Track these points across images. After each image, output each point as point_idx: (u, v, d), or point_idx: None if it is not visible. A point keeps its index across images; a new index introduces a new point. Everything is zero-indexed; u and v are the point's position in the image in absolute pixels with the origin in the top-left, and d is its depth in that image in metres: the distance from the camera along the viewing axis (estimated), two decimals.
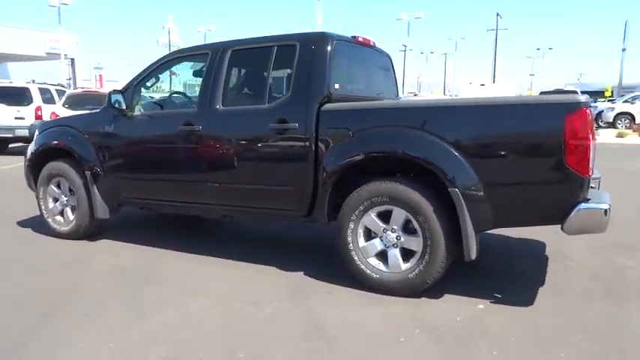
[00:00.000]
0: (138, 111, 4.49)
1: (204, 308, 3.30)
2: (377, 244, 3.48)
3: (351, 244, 3.51)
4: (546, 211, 3.06)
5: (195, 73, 4.95)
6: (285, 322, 3.10)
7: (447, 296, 3.39)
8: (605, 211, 2.90)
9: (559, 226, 3.01)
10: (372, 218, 3.46)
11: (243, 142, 3.92)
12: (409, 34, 37.01)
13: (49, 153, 4.95)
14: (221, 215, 4.43)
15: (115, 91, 4.38)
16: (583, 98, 2.94)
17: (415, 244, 3.33)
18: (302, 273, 3.90)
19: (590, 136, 2.88)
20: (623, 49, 47.98)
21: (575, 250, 4.36)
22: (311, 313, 3.22)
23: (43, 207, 5.01)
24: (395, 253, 3.42)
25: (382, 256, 3.49)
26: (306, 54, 3.72)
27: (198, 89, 4.57)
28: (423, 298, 3.37)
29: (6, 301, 3.42)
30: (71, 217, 4.89)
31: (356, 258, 3.51)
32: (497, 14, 46.60)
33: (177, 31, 45.37)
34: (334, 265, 3.84)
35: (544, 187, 3.02)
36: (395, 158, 3.34)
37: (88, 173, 4.61)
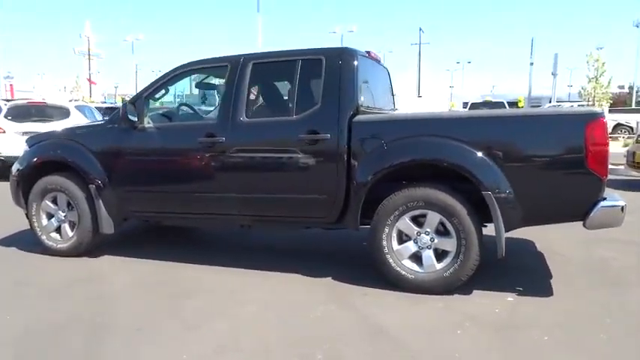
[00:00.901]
0: (146, 123, 4.43)
1: (256, 315, 3.35)
2: (411, 247, 3.70)
3: (386, 248, 3.71)
4: (569, 210, 3.45)
5: (198, 85, 4.97)
6: (340, 323, 3.22)
7: (475, 292, 3.67)
8: (622, 207, 3.32)
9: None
10: (406, 222, 3.68)
11: (272, 152, 4.01)
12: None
13: (42, 167, 4.73)
14: (239, 225, 4.46)
15: (129, 103, 4.28)
16: (599, 110, 3.35)
17: (449, 244, 3.59)
18: (330, 278, 4.04)
19: (607, 142, 3.30)
20: (531, 63, 52.07)
21: (562, 246, 4.83)
22: (360, 314, 3.37)
23: (35, 224, 4.77)
24: (429, 254, 3.66)
25: (415, 257, 3.71)
26: (334, 68, 3.89)
27: (202, 101, 4.60)
28: (456, 295, 3.62)
29: (40, 326, 3.24)
30: (70, 233, 4.68)
31: (391, 261, 3.71)
32: (420, 29, 48.94)
33: (97, 39, 43.38)
34: (357, 269, 4.07)
35: (567, 188, 3.40)
36: (429, 165, 3.60)
37: (92, 187, 4.46)
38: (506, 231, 3.49)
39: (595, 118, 3.30)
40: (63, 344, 2.98)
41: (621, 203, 3.34)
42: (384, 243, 3.71)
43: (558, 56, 44.13)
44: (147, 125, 4.39)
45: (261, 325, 3.21)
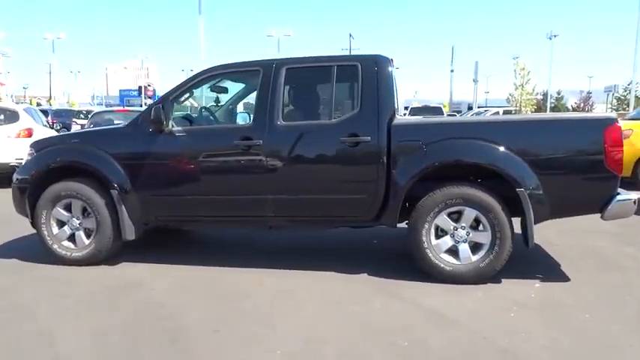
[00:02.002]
0: (171, 126, 4.39)
1: (321, 312, 3.49)
2: (448, 241, 4.00)
3: (425, 243, 3.97)
4: (589, 204, 3.90)
5: (214, 89, 4.98)
6: (403, 313, 3.45)
7: (504, 280, 4.03)
8: (635, 200, 3.82)
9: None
10: (444, 218, 3.97)
11: (311, 155, 4.15)
12: (279, 50, 38.09)
13: (54, 173, 4.53)
14: (267, 227, 4.54)
15: (157, 107, 4.22)
16: (614, 115, 3.84)
17: (484, 237, 3.92)
18: (365, 274, 4.24)
19: (622, 144, 3.78)
20: (452, 70, 55.18)
21: (554, 237, 5.34)
22: (415, 304, 3.60)
23: (45, 232, 4.55)
24: (465, 248, 3.97)
25: (451, 251, 4.01)
26: (370, 74, 4.11)
27: (220, 105, 4.67)
28: (489, 284, 3.96)
29: (113, 335, 3.17)
30: (86, 241, 4.52)
31: (430, 255, 3.98)
32: (350, 35, 50.21)
33: (4, 36, 40.23)
34: (385, 264, 4.37)
35: (588, 184, 3.85)
36: (464, 166, 3.91)
37: (114, 192, 4.36)
38: (536, 224, 3.87)
39: (612, 123, 3.78)
40: (151, 349, 2.97)
41: (633, 197, 3.84)
42: (424, 238, 3.97)
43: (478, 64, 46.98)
44: (175, 128, 4.36)
45: (331, 319, 3.35)
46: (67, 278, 4.23)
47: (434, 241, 3.99)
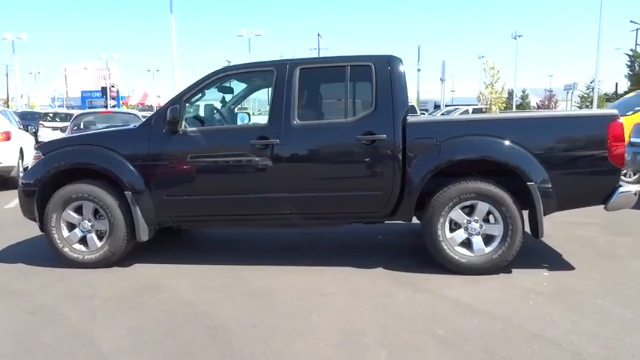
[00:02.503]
0: (184, 127, 4.40)
1: (349, 304, 3.59)
2: (462, 234, 4.16)
3: (440, 236, 4.13)
4: (593, 195, 4.13)
5: (221, 89, 5.01)
6: (428, 304, 3.58)
7: (514, 270, 4.23)
8: (636, 192, 4.07)
9: None
10: (458, 212, 4.13)
11: (328, 153, 4.25)
12: (250, 50, 37.87)
13: (63, 176, 4.48)
14: (280, 225, 4.61)
15: (174, 107, 4.23)
16: (616, 112, 4.08)
17: (496, 230, 4.11)
18: (381, 268, 4.37)
19: (624, 139, 4.02)
20: (419, 70, 55.95)
21: (549, 229, 5.53)
22: (437, 295, 3.75)
23: (55, 236, 4.49)
24: (479, 240, 4.14)
25: (465, 243, 4.17)
26: (384, 74, 4.23)
27: (228, 105, 4.73)
28: (501, 275, 4.15)
29: (153, 333, 3.20)
30: (98, 243, 4.49)
31: (445, 247, 4.13)
32: (318, 34, 50.36)
33: None
34: (397, 258, 4.54)
35: (593, 177, 4.09)
36: (477, 162, 4.08)
37: (128, 194, 4.34)
38: (545, 215, 4.08)
39: (614, 119, 4.02)
40: (197, 345, 3.01)
41: (633, 189, 4.09)
42: (439, 232, 4.12)
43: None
44: (189, 129, 4.38)
45: (362, 312, 3.46)
46: (83, 280, 4.19)
47: (448, 235, 4.15)
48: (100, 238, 4.51)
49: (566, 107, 41.79)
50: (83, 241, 4.53)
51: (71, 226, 4.54)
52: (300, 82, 4.30)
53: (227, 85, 4.88)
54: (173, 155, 4.36)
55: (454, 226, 4.19)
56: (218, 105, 5.21)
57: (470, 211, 4.15)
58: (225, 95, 5.14)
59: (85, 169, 4.47)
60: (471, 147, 4.09)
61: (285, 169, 4.25)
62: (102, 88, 54.96)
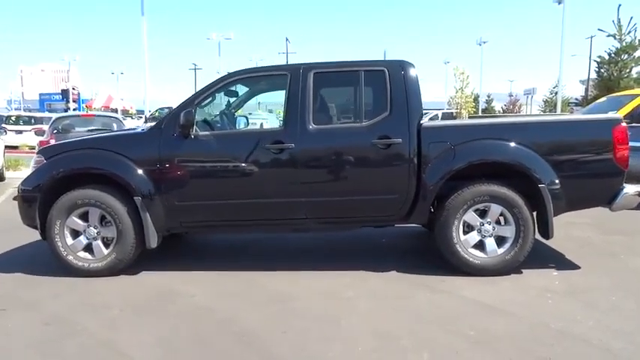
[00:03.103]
0: (195, 131, 4.33)
1: (372, 307, 3.62)
2: (475, 236, 4.24)
3: (455, 239, 4.20)
4: (599, 196, 4.29)
5: (228, 93, 4.95)
6: (449, 304, 3.64)
7: (524, 271, 4.34)
8: (639, 193, 4.25)
9: None
10: (472, 215, 4.21)
11: (344, 157, 4.25)
12: (220, 54, 37.41)
13: (67, 182, 4.33)
14: (292, 229, 4.59)
15: (188, 111, 4.14)
16: (620, 116, 4.25)
17: (508, 231, 4.21)
18: (394, 271, 4.40)
19: (628, 142, 4.19)
20: None
21: None
22: (456, 295, 3.81)
23: (59, 244, 4.34)
24: (492, 241, 4.23)
25: (478, 245, 4.26)
26: (398, 78, 4.28)
27: (230, 108, 4.71)
28: (513, 275, 4.25)
29: (181, 341, 3.14)
30: (105, 251, 4.36)
31: (460, 250, 4.20)
32: (286, 39, 50.38)
33: None
34: (406, 260, 4.60)
35: (599, 179, 4.24)
36: (492, 164, 4.17)
37: (138, 199, 4.23)
38: (555, 216, 4.21)
39: (619, 123, 4.19)
40: (231, 352, 2.97)
41: (637, 189, 4.27)
42: (454, 234, 4.19)
43: None
44: (201, 133, 4.31)
45: (388, 314, 3.49)
46: (92, 289, 4.06)
47: (462, 237, 4.23)
48: (106, 245, 4.38)
49: (527, 111, 43.14)
50: (88, 248, 4.39)
51: (75, 233, 4.39)
52: (314, 86, 4.30)
53: (233, 89, 4.83)
54: (185, 159, 4.28)
55: (467, 228, 4.27)
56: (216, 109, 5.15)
57: (482, 213, 4.24)
58: (231, 99, 5.08)
59: (90, 174, 4.33)
60: (485, 150, 4.18)
61: (301, 174, 4.23)
62: (62, 90, 53.21)
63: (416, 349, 2.97)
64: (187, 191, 4.30)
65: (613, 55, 19.39)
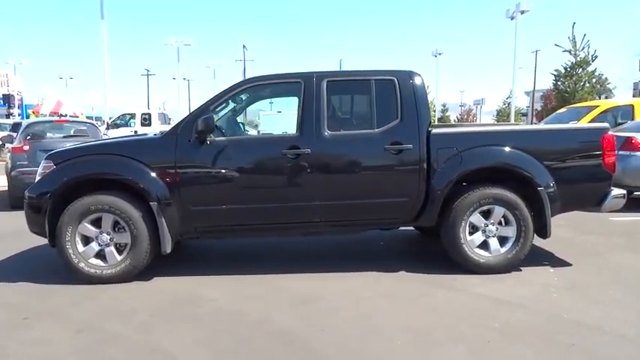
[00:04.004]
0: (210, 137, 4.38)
1: (396, 305, 3.79)
2: (480, 236, 4.51)
3: (462, 239, 4.45)
4: (589, 199, 4.65)
5: (235, 100, 5.03)
6: (467, 301, 3.86)
7: (523, 269, 4.64)
8: (624, 195, 4.64)
9: None
10: (478, 217, 4.48)
11: (358, 162, 4.43)
12: (179, 59, 36.81)
13: (78, 187, 4.28)
14: (304, 233, 4.71)
15: (208, 117, 4.20)
16: (607, 125, 4.65)
17: (510, 231, 4.49)
18: (403, 272, 4.60)
19: (615, 148, 4.59)
20: None
21: None
22: (471, 293, 4.04)
23: (70, 251, 4.27)
24: (495, 241, 4.51)
25: (482, 245, 4.52)
26: (407, 87, 4.51)
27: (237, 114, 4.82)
28: (513, 273, 4.54)
29: (223, 343, 3.19)
30: (118, 257, 4.33)
31: (466, 250, 4.46)
32: (244, 46, 50.30)
33: None
34: (412, 262, 4.77)
35: (590, 182, 4.60)
36: (496, 169, 4.46)
37: (154, 205, 4.24)
38: (551, 217, 4.54)
39: (607, 131, 4.58)
40: (277, 351, 3.06)
41: (623, 192, 4.66)
42: (461, 235, 4.44)
43: None
44: (218, 138, 4.37)
45: (413, 311, 3.67)
46: (110, 296, 4.04)
47: (468, 237, 4.48)
48: (119, 251, 4.35)
49: (478, 121, 44.88)
50: (99, 255, 4.34)
51: (85, 240, 4.33)
52: (328, 93, 4.46)
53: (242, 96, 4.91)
54: (202, 165, 4.32)
55: (472, 229, 4.53)
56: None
57: (486, 215, 4.51)
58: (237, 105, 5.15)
59: (102, 179, 4.30)
60: (490, 156, 4.46)
61: (317, 178, 4.37)
62: (3, 95, 50.68)
63: (450, 341, 3.16)
64: (203, 196, 4.34)
65: (569, 69, 20.74)
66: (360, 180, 4.44)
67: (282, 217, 4.45)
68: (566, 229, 6.31)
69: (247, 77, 4.51)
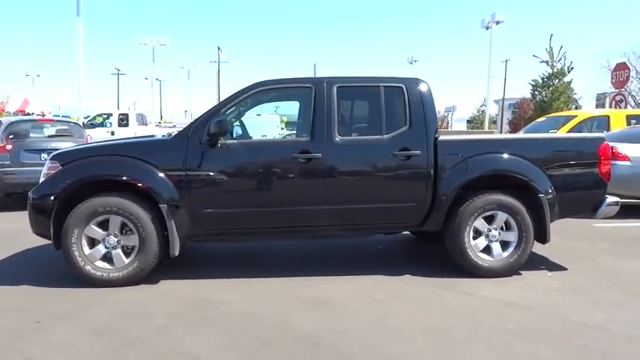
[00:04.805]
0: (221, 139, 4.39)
1: (411, 306, 3.87)
2: (483, 241, 4.64)
3: (466, 244, 4.57)
4: (585, 205, 4.85)
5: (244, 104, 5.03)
6: (476, 303, 3.97)
7: (523, 273, 4.79)
8: (617, 202, 4.86)
9: None
10: (481, 221, 4.61)
11: (367, 167, 4.50)
12: (154, 59, 36.17)
13: (85, 189, 4.22)
14: (311, 236, 4.75)
15: (221, 120, 4.20)
16: (604, 135, 4.85)
17: (512, 236, 4.64)
18: (408, 275, 4.70)
19: (610, 157, 4.80)
20: None
21: None
22: (479, 296, 4.15)
23: (76, 253, 4.20)
24: (497, 246, 4.65)
25: (485, 249, 4.65)
26: (415, 94, 4.62)
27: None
28: (514, 276, 4.69)
29: (248, 345, 3.19)
30: (126, 260, 4.28)
31: (471, 254, 4.58)
32: (218, 48, 50.00)
33: None
34: (414, 266, 4.87)
35: (586, 190, 4.80)
36: (499, 175, 4.60)
37: (164, 207, 4.22)
38: (550, 222, 4.71)
39: (603, 140, 4.79)
40: (303, 352, 3.09)
41: (617, 199, 4.88)
42: (465, 239, 4.56)
43: None
44: (229, 141, 4.38)
45: (427, 312, 3.76)
46: (123, 299, 3.99)
47: (472, 242, 4.61)
48: (127, 254, 4.29)
49: (450, 128, 45.68)
50: (105, 257, 4.28)
51: (92, 242, 4.26)
52: (338, 99, 4.52)
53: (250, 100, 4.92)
54: (213, 167, 4.32)
55: (475, 234, 4.66)
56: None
57: (489, 220, 4.65)
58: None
59: (111, 181, 4.24)
60: (494, 163, 4.60)
61: (327, 182, 4.42)
62: None
63: (471, 342, 3.26)
64: (214, 199, 4.33)
65: (546, 79, 21.49)
66: (369, 185, 4.51)
67: (292, 221, 4.48)
68: (553, 235, 6.52)
69: (257, 81, 4.50)
